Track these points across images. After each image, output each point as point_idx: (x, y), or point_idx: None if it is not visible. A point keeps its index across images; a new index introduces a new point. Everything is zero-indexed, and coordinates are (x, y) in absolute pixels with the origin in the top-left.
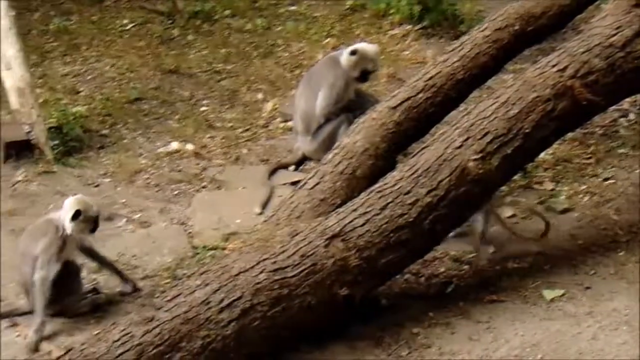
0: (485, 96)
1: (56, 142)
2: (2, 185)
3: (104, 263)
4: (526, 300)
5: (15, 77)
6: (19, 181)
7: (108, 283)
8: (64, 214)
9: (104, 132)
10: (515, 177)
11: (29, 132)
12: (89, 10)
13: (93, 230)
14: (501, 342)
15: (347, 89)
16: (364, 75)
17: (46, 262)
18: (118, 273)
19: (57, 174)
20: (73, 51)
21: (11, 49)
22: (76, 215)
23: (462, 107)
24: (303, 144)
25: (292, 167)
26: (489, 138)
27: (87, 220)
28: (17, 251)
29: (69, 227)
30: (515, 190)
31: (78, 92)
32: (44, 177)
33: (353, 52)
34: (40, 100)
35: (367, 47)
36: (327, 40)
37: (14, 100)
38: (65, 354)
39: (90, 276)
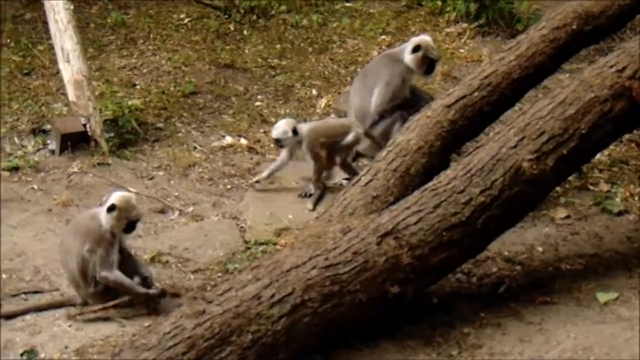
0: (541, 96)
1: (111, 134)
2: (57, 176)
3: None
4: (579, 303)
5: (72, 69)
6: (75, 172)
7: (160, 275)
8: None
9: (159, 125)
10: (570, 178)
11: (85, 124)
12: (147, 4)
13: (128, 230)
14: (553, 344)
15: (403, 87)
16: (431, 66)
17: (106, 261)
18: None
19: (112, 166)
20: (130, 45)
21: (69, 42)
22: (111, 209)
23: (517, 106)
24: None
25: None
26: (544, 138)
27: (123, 218)
28: (60, 246)
29: (103, 218)
30: (570, 191)
31: (134, 85)
32: (98, 168)
33: (416, 49)
34: (97, 93)
35: (425, 39)
36: (382, 37)
37: (71, 93)
38: None
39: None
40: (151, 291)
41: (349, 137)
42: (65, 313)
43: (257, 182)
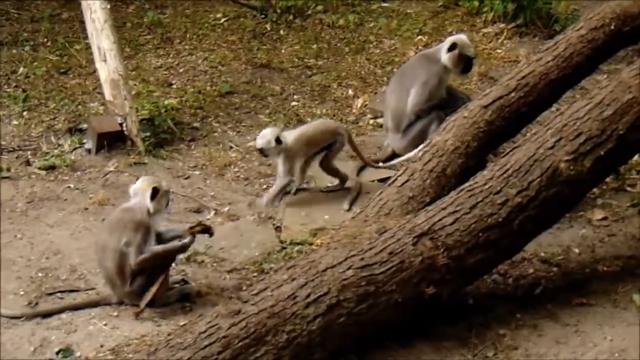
0: (578, 96)
1: (148, 133)
2: (93, 175)
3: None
4: (616, 305)
5: (109, 69)
6: (111, 171)
7: (196, 274)
8: (141, 199)
9: (195, 124)
10: (608, 179)
11: (122, 123)
12: (183, 4)
13: (168, 204)
14: (589, 346)
15: (440, 87)
16: (468, 65)
17: (142, 249)
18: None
19: (148, 165)
20: (166, 44)
21: (106, 41)
22: (154, 194)
23: (554, 107)
24: (393, 141)
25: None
26: (581, 139)
27: (163, 195)
28: (96, 245)
29: (150, 207)
30: (607, 192)
31: (170, 85)
32: (134, 168)
33: (452, 47)
34: (133, 92)
35: (461, 37)
36: (418, 38)
37: (107, 92)
38: None
39: (179, 267)
40: (185, 240)
41: (335, 145)
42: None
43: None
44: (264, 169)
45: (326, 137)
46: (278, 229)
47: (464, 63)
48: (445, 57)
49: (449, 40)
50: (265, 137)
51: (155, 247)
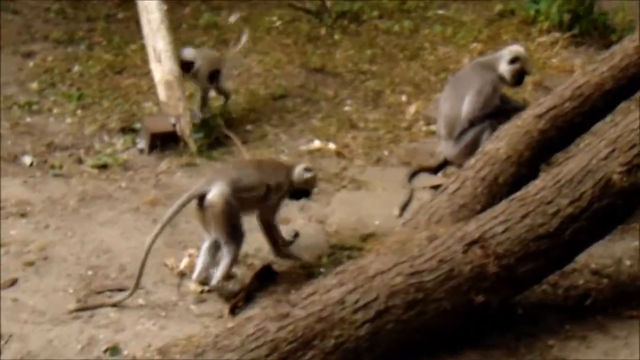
0: (633, 108)
1: (200, 135)
2: (145, 175)
3: None
4: None
5: (164, 70)
6: (163, 172)
7: (245, 277)
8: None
9: (248, 127)
10: None
11: (175, 124)
12: (239, 6)
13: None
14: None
15: (494, 95)
16: (521, 78)
17: None
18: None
19: (200, 167)
20: (221, 46)
21: (161, 42)
22: None
23: (608, 118)
24: (445, 148)
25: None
26: (635, 150)
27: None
28: None
29: None
30: None
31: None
32: (186, 169)
33: (514, 60)
34: (187, 94)
35: (521, 50)
36: (473, 45)
37: (161, 93)
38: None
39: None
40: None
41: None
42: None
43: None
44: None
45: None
46: (328, 233)
47: (521, 76)
48: (505, 69)
49: (510, 52)
50: None
51: None
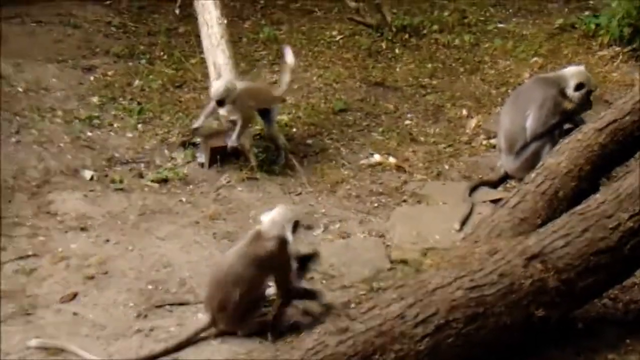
0: None
1: (260, 149)
2: (205, 189)
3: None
4: None
5: None
6: (223, 186)
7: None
8: (278, 221)
9: (308, 141)
10: None
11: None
12: (299, 21)
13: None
14: None
15: (556, 111)
16: (590, 102)
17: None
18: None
19: (260, 181)
20: (281, 60)
21: (221, 56)
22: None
23: None
24: (506, 162)
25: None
26: None
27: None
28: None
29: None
30: None
31: (284, 101)
32: (246, 183)
33: (579, 86)
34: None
35: (584, 73)
36: (534, 59)
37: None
38: None
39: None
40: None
41: None
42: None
43: None
44: (375, 188)
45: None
46: (388, 247)
47: (589, 100)
48: (572, 96)
49: (574, 76)
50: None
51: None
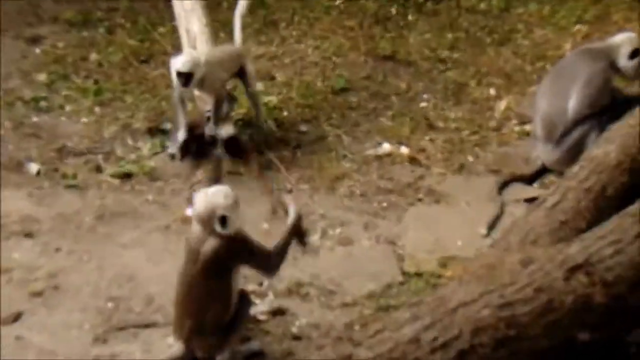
0: None
1: (244, 137)
2: (177, 186)
3: None
4: None
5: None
6: (198, 182)
7: (299, 310)
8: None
9: (302, 127)
10: None
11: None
12: None
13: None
14: None
15: (605, 89)
16: None
17: None
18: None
19: (244, 176)
20: (269, 29)
21: (197, 24)
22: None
23: None
24: (543, 153)
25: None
26: None
27: None
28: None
29: None
30: None
31: (272, 79)
32: (227, 178)
33: (635, 54)
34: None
35: (633, 38)
36: (577, 27)
37: None
38: None
39: (277, 299)
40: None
41: None
42: None
43: None
44: (383, 184)
45: None
46: (400, 257)
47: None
48: (625, 65)
49: (627, 42)
50: None
51: None
